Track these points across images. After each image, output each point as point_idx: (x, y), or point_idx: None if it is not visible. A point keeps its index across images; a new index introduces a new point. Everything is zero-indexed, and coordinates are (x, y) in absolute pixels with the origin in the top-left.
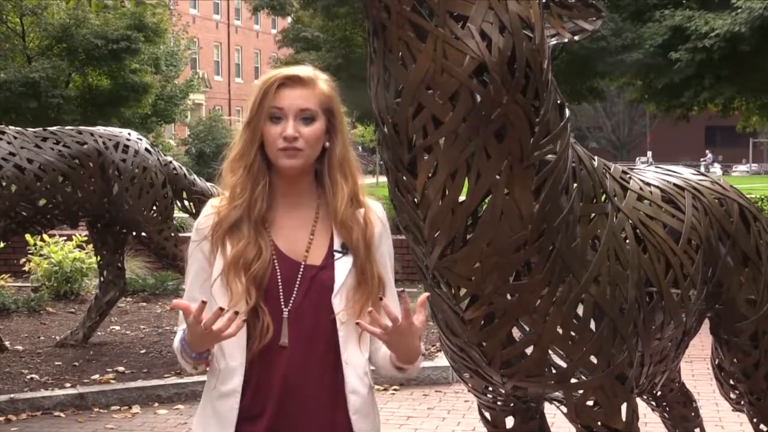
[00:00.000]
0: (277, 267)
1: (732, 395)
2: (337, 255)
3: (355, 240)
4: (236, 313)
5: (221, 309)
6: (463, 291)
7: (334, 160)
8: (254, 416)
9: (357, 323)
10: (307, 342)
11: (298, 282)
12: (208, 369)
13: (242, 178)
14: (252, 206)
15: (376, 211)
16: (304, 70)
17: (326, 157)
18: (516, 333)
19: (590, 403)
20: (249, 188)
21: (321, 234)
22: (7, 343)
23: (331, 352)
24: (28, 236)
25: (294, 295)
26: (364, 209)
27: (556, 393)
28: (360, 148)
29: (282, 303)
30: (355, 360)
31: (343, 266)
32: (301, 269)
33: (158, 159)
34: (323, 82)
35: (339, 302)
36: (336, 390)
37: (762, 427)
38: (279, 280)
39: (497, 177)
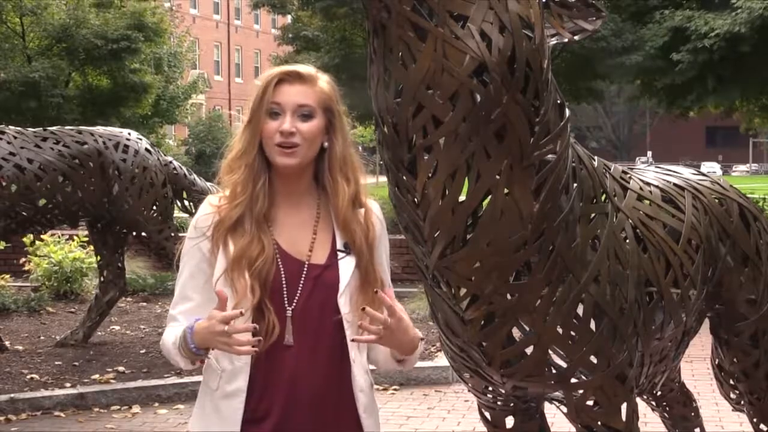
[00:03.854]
0: (280, 265)
1: (732, 395)
2: (340, 254)
3: (357, 241)
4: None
5: (242, 313)
6: (463, 291)
7: (334, 160)
8: (260, 418)
9: (359, 325)
10: (313, 341)
11: (302, 281)
12: (203, 366)
13: (243, 177)
14: (253, 203)
15: (375, 212)
16: (305, 68)
17: (326, 157)
18: (516, 333)
19: (590, 402)
20: (250, 186)
21: (323, 233)
22: (7, 343)
23: (337, 350)
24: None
25: (298, 295)
26: (365, 210)
27: (556, 393)
28: (360, 148)
29: (286, 302)
30: (360, 358)
31: (347, 266)
32: (305, 268)
33: (158, 159)
34: (324, 81)
35: (345, 302)
36: (342, 389)
37: (762, 427)
38: (283, 279)
39: (497, 177)
